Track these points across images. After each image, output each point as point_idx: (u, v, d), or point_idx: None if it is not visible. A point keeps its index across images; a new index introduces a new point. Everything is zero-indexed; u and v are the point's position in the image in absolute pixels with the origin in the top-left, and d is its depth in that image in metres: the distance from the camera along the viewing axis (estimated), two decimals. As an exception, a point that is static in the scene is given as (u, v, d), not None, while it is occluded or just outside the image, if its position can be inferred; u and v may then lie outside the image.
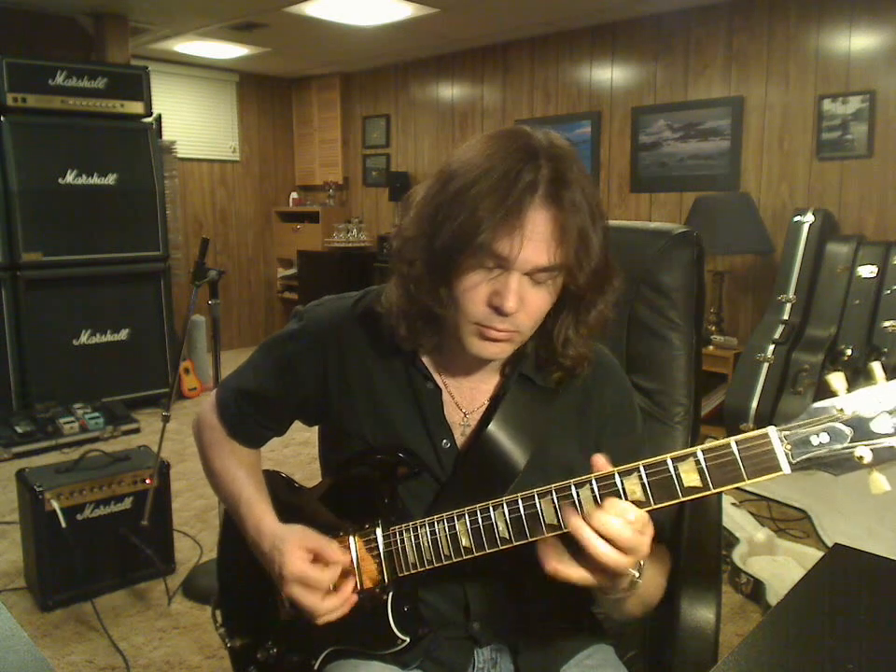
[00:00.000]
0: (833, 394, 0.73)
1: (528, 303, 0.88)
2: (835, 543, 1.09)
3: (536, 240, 0.84)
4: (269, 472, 1.16)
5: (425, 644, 1.00)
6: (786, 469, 0.74)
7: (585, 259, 0.86)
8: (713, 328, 4.10)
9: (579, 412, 1.01)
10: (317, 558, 0.96)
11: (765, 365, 3.68)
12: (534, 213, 0.83)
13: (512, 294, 0.86)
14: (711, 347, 3.99)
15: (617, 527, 0.77)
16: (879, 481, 0.72)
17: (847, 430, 0.72)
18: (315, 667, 1.04)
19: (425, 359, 1.00)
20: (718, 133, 4.29)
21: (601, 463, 0.81)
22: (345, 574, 0.97)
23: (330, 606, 0.95)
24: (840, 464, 0.73)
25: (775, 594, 2.32)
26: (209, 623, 2.27)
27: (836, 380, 0.73)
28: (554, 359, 0.96)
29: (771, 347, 3.72)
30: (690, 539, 1.16)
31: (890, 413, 0.71)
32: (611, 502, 0.78)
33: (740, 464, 0.75)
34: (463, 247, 0.85)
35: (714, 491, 0.77)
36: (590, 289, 0.90)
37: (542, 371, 0.99)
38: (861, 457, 0.71)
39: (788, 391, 3.60)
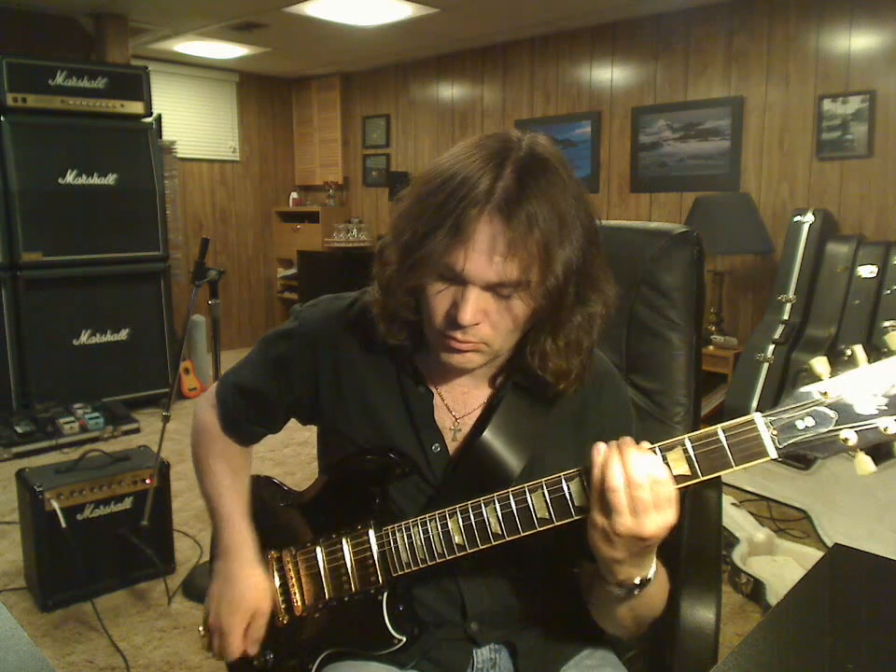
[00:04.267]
0: (816, 378, 0.74)
1: (492, 317, 0.86)
2: (835, 543, 1.09)
3: (483, 253, 0.81)
4: (259, 478, 1.16)
5: (421, 643, 1.00)
6: (772, 453, 0.75)
7: (543, 277, 0.82)
8: (713, 328, 4.10)
9: (576, 421, 1.00)
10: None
11: (765, 365, 3.68)
12: (482, 226, 0.80)
13: (468, 307, 0.83)
14: (711, 347, 3.99)
15: (636, 471, 0.77)
16: (865, 462, 0.73)
17: (832, 414, 0.73)
18: (313, 671, 1.04)
19: (417, 363, 1.00)
20: (718, 133, 4.29)
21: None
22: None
23: (228, 653, 1.06)
24: (826, 447, 0.74)
25: (775, 594, 2.32)
26: (209, 623, 2.27)
27: (819, 364, 0.74)
28: (535, 374, 0.94)
29: (771, 347, 3.72)
30: (690, 539, 1.16)
31: (874, 395, 0.71)
32: (649, 454, 0.79)
33: (727, 450, 0.76)
34: (419, 256, 0.84)
35: (702, 479, 0.78)
36: (553, 308, 0.86)
37: (533, 381, 0.97)
38: (846, 440, 0.72)
39: (788, 391, 3.59)
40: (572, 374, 0.93)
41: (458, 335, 0.87)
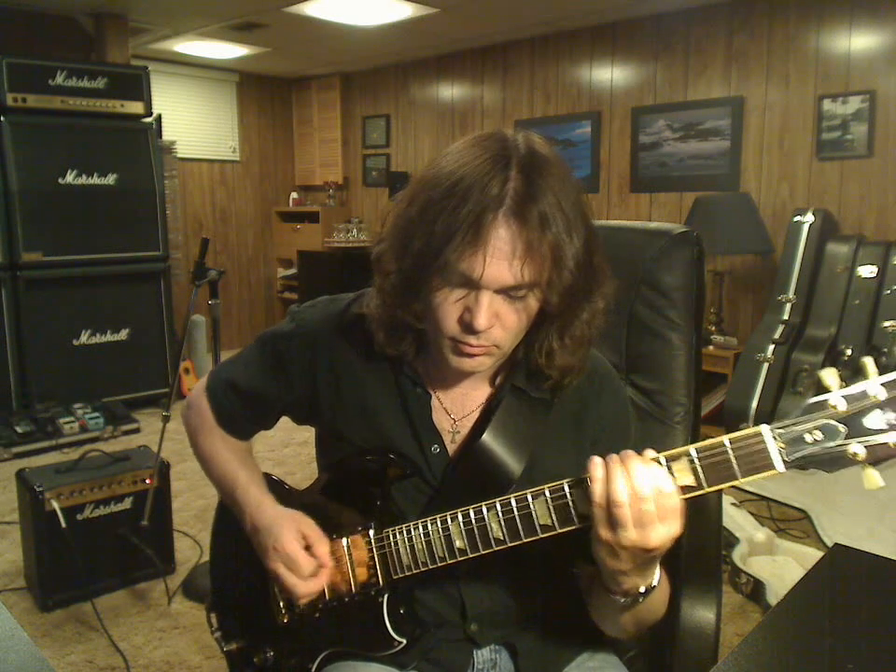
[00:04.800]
0: (826, 390, 0.72)
1: (504, 319, 0.86)
2: (835, 543, 1.08)
3: (500, 258, 0.80)
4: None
5: (422, 645, 1.00)
6: (780, 467, 0.74)
7: (557, 275, 0.82)
8: (713, 328, 4.09)
9: (575, 423, 1.00)
10: (308, 547, 0.98)
11: (765, 365, 3.68)
12: (497, 230, 0.80)
13: (483, 312, 0.83)
14: (711, 347, 3.99)
15: (641, 485, 0.76)
16: (873, 476, 0.72)
17: (841, 427, 0.72)
18: (313, 670, 1.04)
19: (414, 365, 1.00)
20: (718, 133, 4.29)
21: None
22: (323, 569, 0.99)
23: (307, 590, 0.97)
24: (834, 461, 0.72)
25: (775, 594, 2.31)
26: (209, 623, 2.27)
27: (829, 376, 0.72)
28: (541, 371, 0.95)
29: (771, 347, 3.71)
30: (690, 539, 1.16)
31: (883, 409, 0.70)
32: (653, 466, 0.78)
33: (734, 463, 0.75)
34: (430, 265, 0.83)
35: (708, 490, 0.77)
36: (566, 305, 0.86)
37: (534, 380, 0.98)
38: (855, 454, 0.71)
39: (788, 391, 3.60)
40: (576, 369, 0.94)
41: (472, 340, 0.87)
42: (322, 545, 0.97)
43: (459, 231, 0.80)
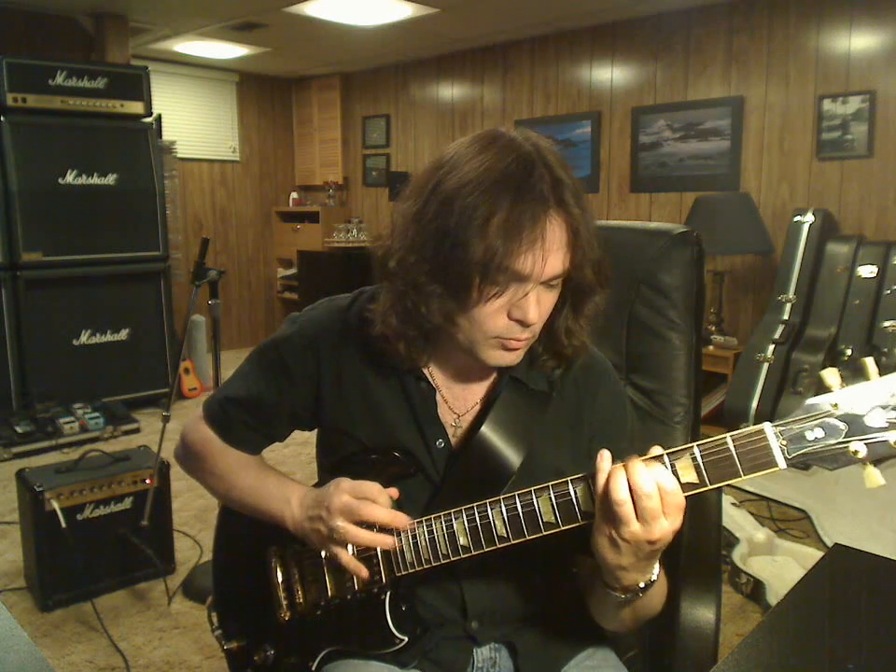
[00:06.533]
0: (827, 389, 0.74)
1: (543, 307, 0.89)
2: (835, 543, 1.09)
3: (555, 251, 0.84)
4: None
5: (423, 643, 1.00)
6: (781, 464, 0.75)
7: (591, 250, 0.88)
8: (713, 328, 4.09)
9: (573, 418, 1.01)
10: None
11: (765, 365, 3.68)
12: (552, 225, 0.84)
13: (535, 306, 0.87)
14: (711, 347, 3.99)
15: (644, 482, 0.77)
16: (874, 475, 0.73)
17: (842, 425, 0.73)
18: (313, 668, 1.04)
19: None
20: (718, 133, 4.29)
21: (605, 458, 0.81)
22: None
23: (386, 515, 0.93)
24: (835, 458, 0.73)
25: (775, 594, 2.32)
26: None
27: (830, 375, 0.73)
28: (557, 350, 0.97)
29: (771, 347, 3.72)
30: (690, 539, 1.16)
31: (884, 407, 0.71)
32: (656, 466, 0.79)
33: (736, 460, 0.76)
34: (483, 273, 0.83)
35: (710, 487, 0.78)
36: (595, 276, 0.91)
37: (533, 371, 0.99)
38: (855, 452, 0.72)
39: (788, 391, 3.60)
40: (584, 350, 0.98)
41: (519, 334, 0.89)
42: (372, 490, 0.94)
43: (516, 235, 0.82)
